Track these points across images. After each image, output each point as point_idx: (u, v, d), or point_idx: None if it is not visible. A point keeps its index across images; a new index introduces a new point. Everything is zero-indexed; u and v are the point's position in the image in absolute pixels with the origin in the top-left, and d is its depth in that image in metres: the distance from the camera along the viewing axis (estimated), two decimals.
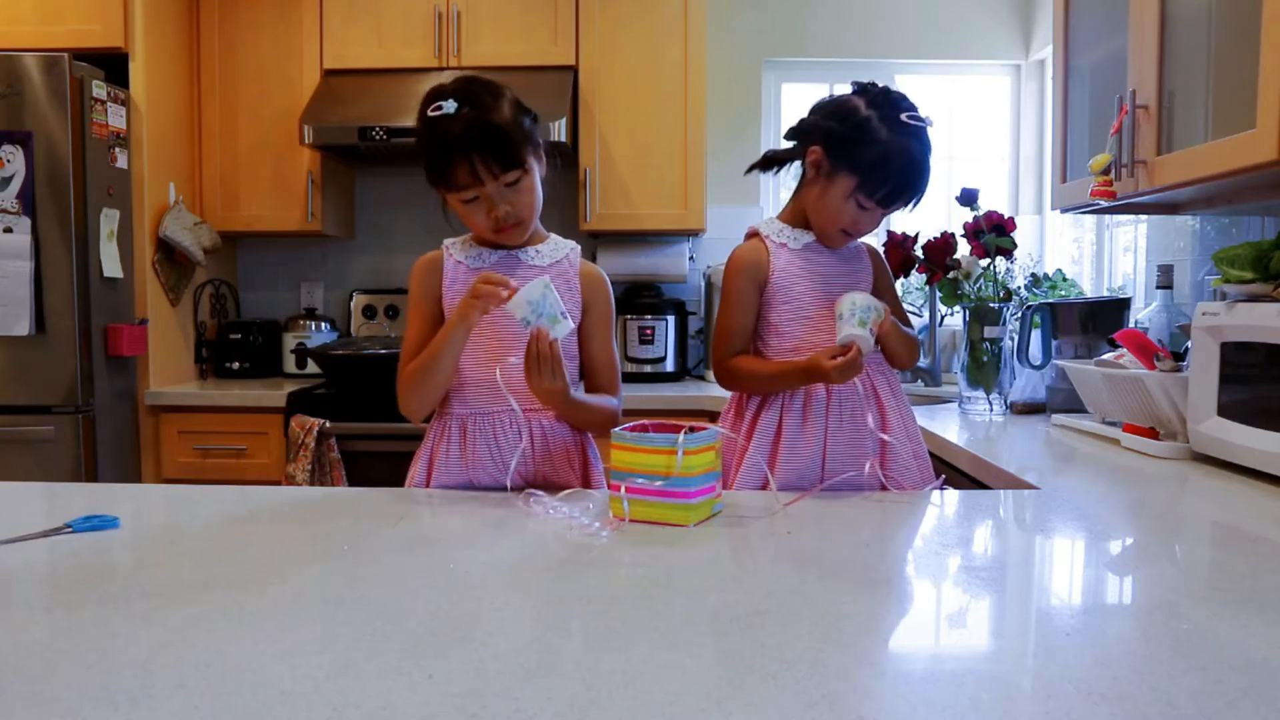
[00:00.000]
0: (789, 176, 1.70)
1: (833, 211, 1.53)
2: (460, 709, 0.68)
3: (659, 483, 1.21)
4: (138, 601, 0.93)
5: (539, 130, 1.50)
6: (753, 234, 1.61)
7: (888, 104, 1.49)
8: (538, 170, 1.48)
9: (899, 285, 2.99)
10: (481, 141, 1.39)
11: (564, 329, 1.37)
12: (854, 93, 1.54)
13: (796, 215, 1.60)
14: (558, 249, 1.56)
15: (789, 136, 1.60)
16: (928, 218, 3.46)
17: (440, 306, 1.52)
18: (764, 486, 1.50)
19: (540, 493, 1.39)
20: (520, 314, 1.35)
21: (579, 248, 1.59)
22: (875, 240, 1.85)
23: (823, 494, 1.44)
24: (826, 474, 1.52)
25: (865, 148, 1.47)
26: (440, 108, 1.40)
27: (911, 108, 1.50)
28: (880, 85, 1.54)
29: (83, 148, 2.67)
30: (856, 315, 1.45)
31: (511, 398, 1.43)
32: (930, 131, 1.50)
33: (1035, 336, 2.37)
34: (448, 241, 1.56)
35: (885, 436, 1.54)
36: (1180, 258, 2.43)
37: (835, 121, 1.51)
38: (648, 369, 3.23)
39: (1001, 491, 1.53)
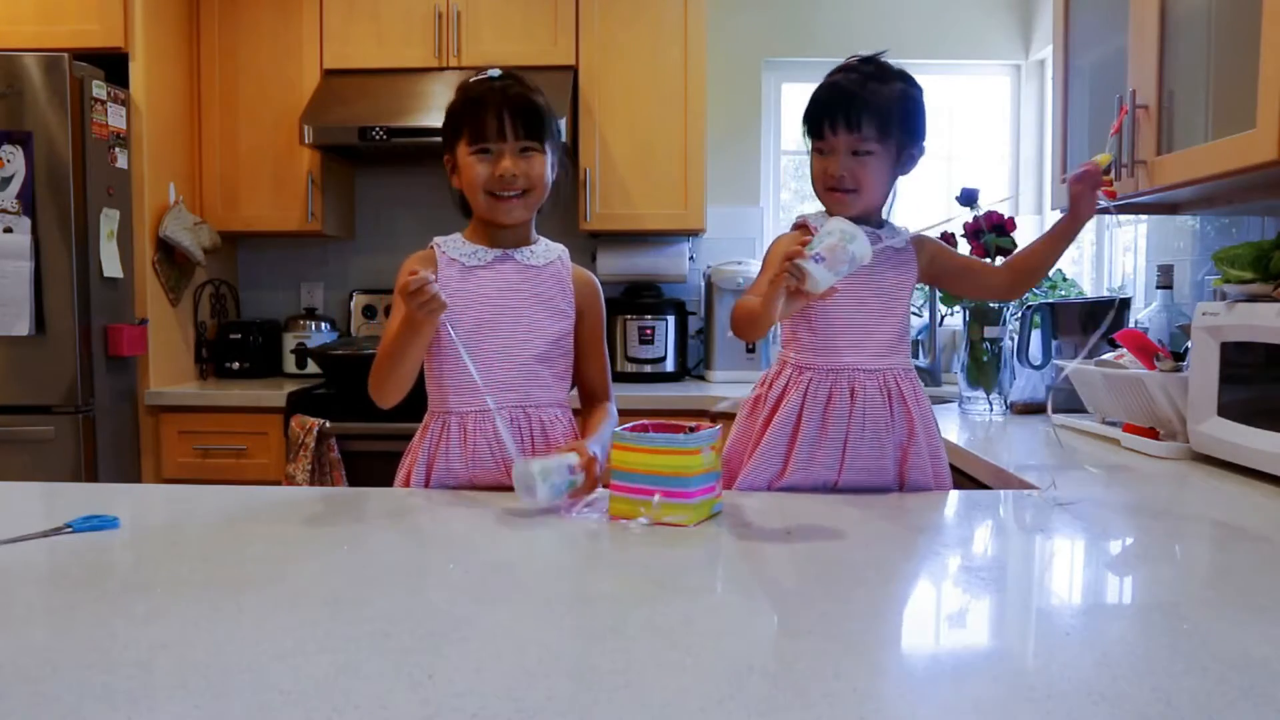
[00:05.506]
0: (791, 177, 1.70)
1: (813, 176, 1.54)
2: (460, 709, 0.68)
3: (658, 483, 1.21)
4: (138, 601, 0.93)
5: (559, 132, 1.56)
6: (800, 224, 1.58)
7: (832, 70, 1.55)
8: (549, 163, 1.52)
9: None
10: (513, 104, 1.47)
11: (578, 478, 1.33)
12: None
13: None
14: (549, 251, 1.57)
15: None
16: (926, 218, 3.46)
17: None
18: (776, 478, 1.49)
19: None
20: (544, 499, 1.29)
21: (567, 250, 1.60)
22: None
23: (824, 494, 1.44)
24: (841, 483, 1.50)
25: (807, 107, 1.54)
26: (483, 72, 1.52)
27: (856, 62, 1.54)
28: None
29: (83, 148, 2.67)
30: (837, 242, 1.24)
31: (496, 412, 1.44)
32: (872, 62, 1.54)
33: (1035, 336, 2.37)
34: (438, 240, 1.55)
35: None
36: (1180, 258, 2.42)
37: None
38: (648, 369, 3.22)
39: (1001, 491, 1.53)
